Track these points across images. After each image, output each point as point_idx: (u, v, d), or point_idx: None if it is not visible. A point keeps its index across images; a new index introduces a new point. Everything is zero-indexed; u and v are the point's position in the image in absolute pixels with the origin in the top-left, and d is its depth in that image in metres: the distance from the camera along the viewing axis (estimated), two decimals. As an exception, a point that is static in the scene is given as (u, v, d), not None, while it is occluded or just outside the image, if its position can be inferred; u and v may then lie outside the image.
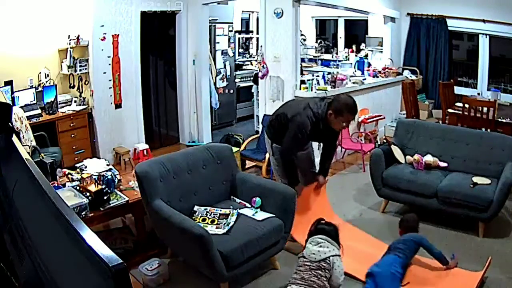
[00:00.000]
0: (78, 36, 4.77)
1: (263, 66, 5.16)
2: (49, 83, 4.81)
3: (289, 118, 3.13)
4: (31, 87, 4.67)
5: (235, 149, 4.25)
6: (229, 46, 7.10)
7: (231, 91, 7.25)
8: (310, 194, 3.45)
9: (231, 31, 7.16)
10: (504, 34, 5.99)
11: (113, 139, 5.23)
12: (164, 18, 5.71)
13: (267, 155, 4.60)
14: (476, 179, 3.49)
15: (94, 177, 3.15)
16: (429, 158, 3.82)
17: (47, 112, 4.65)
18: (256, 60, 7.30)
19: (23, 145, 2.70)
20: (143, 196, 2.87)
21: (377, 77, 6.32)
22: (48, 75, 4.82)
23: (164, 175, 2.91)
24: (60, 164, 4.19)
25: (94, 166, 3.37)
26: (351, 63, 7.22)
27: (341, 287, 2.48)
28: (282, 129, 3.22)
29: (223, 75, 7.00)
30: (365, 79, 6.06)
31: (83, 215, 2.81)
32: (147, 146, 5.29)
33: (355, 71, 6.60)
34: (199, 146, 3.51)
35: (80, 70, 4.85)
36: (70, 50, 4.78)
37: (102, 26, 4.85)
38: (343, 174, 5.06)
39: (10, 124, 2.10)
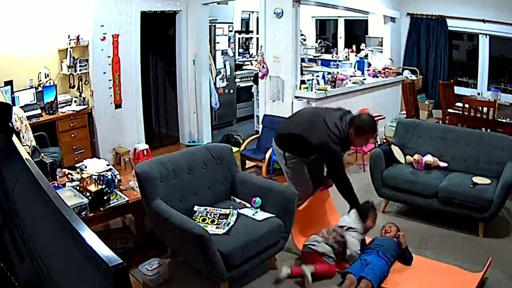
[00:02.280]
0: (78, 36, 4.77)
1: (263, 66, 5.17)
2: (49, 83, 4.80)
3: (315, 146, 3.07)
4: (31, 87, 4.66)
5: (235, 149, 4.26)
6: (229, 46, 7.10)
7: (231, 91, 7.25)
8: (316, 198, 3.40)
9: (231, 31, 7.16)
10: (504, 34, 5.99)
11: (113, 139, 5.23)
12: (164, 18, 5.71)
13: (267, 155, 4.61)
14: (476, 179, 3.49)
15: (94, 177, 3.14)
16: (429, 158, 3.82)
17: (47, 112, 4.65)
18: (256, 60, 7.30)
19: (23, 145, 2.71)
20: (143, 196, 2.87)
21: (377, 77, 6.32)
22: (48, 75, 4.82)
23: (164, 175, 2.91)
24: (60, 164, 4.19)
25: (94, 166, 3.37)
26: (351, 63, 7.22)
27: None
28: (295, 145, 3.21)
29: (223, 75, 7.00)
30: (365, 79, 6.07)
31: (83, 215, 2.80)
32: (147, 146, 5.29)
33: (355, 71, 6.60)
34: (199, 146, 3.51)
35: (80, 70, 4.85)
36: (70, 50, 4.78)
37: (102, 26, 4.85)
38: (343, 174, 5.05)
39: (10, 124, 2.10)
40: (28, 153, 2.91)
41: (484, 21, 6.10)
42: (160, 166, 2.94)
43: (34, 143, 3.91)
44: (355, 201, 3.19)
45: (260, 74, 5.27)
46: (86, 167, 3.38)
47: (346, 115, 3.16)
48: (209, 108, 6.21)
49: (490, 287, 2.77)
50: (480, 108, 4.83)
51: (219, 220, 2.85)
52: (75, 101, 4.95)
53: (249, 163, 5.06)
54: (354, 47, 7.86)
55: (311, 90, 4.98)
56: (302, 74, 5.58)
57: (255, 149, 4.98)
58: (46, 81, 4.79)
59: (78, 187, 3.07)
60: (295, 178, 3.31)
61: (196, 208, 2.98)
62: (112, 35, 4.97)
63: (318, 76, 5.33)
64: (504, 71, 6.48)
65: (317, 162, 3.41)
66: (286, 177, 3.40)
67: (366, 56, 7.14)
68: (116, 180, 3.29)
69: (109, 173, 3.23)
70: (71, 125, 4.75)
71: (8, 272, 1.68)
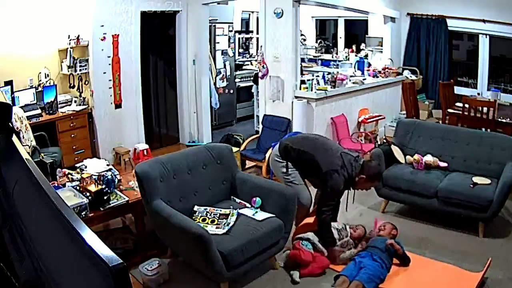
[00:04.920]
0: (78, 36, 4.76)
1: (263, 66, 5.17)
2: (49, 83, 4.80)
3: (324, 172, 3.03)
4: (31, 87, 4.66)
5: (235, 149, 4.25)
6: (229, 46, 7.10)
7: (231, 91, 7.24)
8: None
9: (231, 31, 7.16)
10: (504, 34, 6.00)
11: (113, 139, 5.23)
12: (164, 18, 5.71)
13: (267, 155, 4.60)
14: (476, 179, 3.49)
15: (94, 177, 3.15)
16: (429, 158, 3.82)
17: (47, 112, 4.65)
18: (256, 60, 7.30)
19: (23, 145, 2.70)
20: (143, 196, 2.87)
21: (377, 77, 6.32)
22: (48, 75, 4.81)
23: (164, 175, 2.91)
24: (60, 164, 4.19)
25: (94, 166, 3.37)
26: (351, 63, 7.21)
27: None
28: (302, 164, 3.19)
29: (223, 75, 7.00)
30: (365, 79, 6.06)
31: (83, 215, 2.81)
32: (147, 146, 5.28)
33: (355, 71, 6.59)
34: (199, 146, 3.51)
35: (80, 70, 4.85)
36: (70, 50, 4.77)
37: (102, 26, 4.85)
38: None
39: (10, 124, 2.10)
40: (28, 153, 2.91)
41: (484, 21, 6.10)
42: (160, 166, 2.94)
43: (34, 143, 3.91)
44: (328, 243, 3.08)
45: (260, 74, 5.27)
46: (86, 167, 3.38)
47: (359, 157, 3.18)
48: (209, 108, 6.21)
49: (490, 287, 2.77)
50: (480, 108, 4.83)
51: (219, 220, 2.85)
52: (75, 101, 4.95)
53: (249, 163, 5.06)
54: (354, 47, 7.86)
55: (311, 90, 4.98)
56: (302, 74, 5.58)
57: (255, 149, 4.98)
58: (46, 81, 4.79)
59: (78, 187, 3.07)
60: (296, 181, 3.27)
61: (196, 208, 2.98)
62: (112, 35, 4.97)
63: (318, 76, 5.32)
64: (504, 71, 6.48)
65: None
66: (285, 184, 3.31)
67: (366, 56, 7.14)
68: (116, 180, 3.29)
69: (109, 173, 3.23)
70: (71, 125, 4.75)
71: (8, 272, 1.68)
